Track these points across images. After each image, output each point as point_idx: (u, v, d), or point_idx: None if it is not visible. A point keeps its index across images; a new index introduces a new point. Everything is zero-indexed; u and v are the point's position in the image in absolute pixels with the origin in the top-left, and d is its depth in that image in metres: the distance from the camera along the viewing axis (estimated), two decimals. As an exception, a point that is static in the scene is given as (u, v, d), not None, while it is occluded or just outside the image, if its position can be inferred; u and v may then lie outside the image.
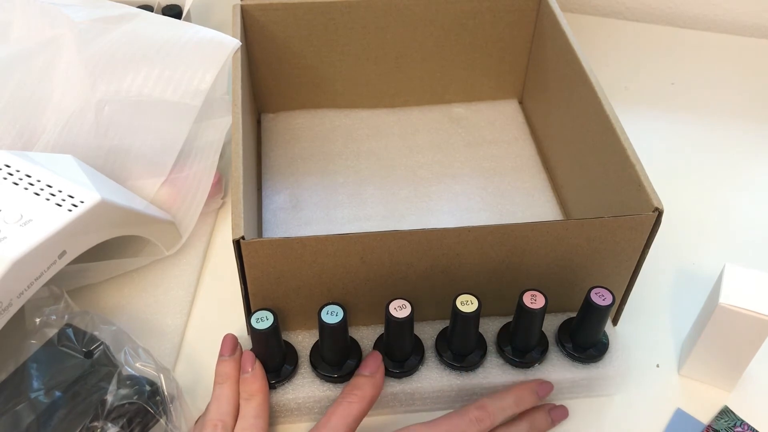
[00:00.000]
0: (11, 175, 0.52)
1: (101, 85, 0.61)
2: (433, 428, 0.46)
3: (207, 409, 0.48)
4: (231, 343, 0.50)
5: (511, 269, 0.51)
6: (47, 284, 0.50)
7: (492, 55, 0.74)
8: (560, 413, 0.52)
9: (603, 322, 0.51)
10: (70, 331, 0.51)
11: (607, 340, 0.53)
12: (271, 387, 0.50)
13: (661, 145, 0.77)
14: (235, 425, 0.47)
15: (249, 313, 0.52)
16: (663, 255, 0.63)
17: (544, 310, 0.48)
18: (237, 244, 0.46)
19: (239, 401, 0.48)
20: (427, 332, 0.54)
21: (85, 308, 0.54)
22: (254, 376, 0.48)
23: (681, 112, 0.82)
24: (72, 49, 0.63)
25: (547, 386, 0.51)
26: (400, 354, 0.51)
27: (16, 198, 0.50)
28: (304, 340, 0.53)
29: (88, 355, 0.49)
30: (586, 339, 0.52)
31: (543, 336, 0.53)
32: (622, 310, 0.56)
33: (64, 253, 0.50)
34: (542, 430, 0.50)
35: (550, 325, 0.54)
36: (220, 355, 0.50)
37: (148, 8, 0.76)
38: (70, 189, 0.52)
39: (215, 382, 0.49)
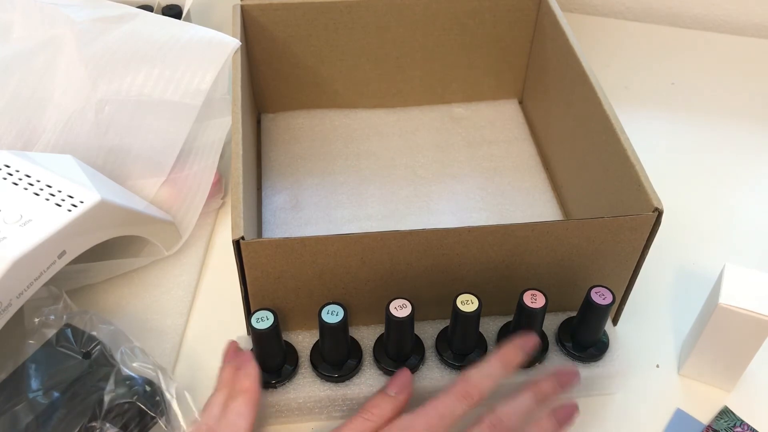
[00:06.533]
0: (11, 175, 0.52)
1: (101, 85, 0.61)
2: (420, 415, 0.44)
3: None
4: (233, 351, 0.49)
5: (511, 269, 0.51)
6: (47, 284, 0.50)
7: (492, 55, 0.74)
8: (567, 378, 0.47)
9: (603, 321, 0.51)
10: (68, 331, 0.50)
11: (608, 339, 0.53)
12: (272, 387, 0.50)
13: (661, 145, 0.77)
14: None
15: (249, 313, 0.51)
16: (663, 255, 0.63)
17: (544, 310, 0.48)
18: (237, 244, 0.46)
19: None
20: (428, 332, 0.54)
21: (84, 308, 0.54)
22: (245, 374, 0.47)
23: (681, 112, 0.82)
24: (72, 48, 0.63)
25: (531, 340, 0.48)
26: (401, 354, 0.51)
27: (16, 198, 0.50)
28: (304, 340, 0.53)
29: (87, 355, 0.49)
30: (586, 338, 0.52)
31: (543, 335, 0.53)
32: (622, 309, 0.56)
33: (63, 253, 0.50)
34: (548, 394, 0.46)
35: (551, 324, 0.54)
36: (223, 362, 0.49)
37: (148, 8, 0.76)
38: (70, 189, 0.52)
39: (215, 388, 0.48)
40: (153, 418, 0.47)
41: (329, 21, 0.69)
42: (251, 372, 0.47)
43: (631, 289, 0.54)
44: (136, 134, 0.62)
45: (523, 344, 0.48)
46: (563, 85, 0.65)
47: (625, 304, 0.56)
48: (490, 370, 0.46)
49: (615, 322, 0.57)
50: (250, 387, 0.46)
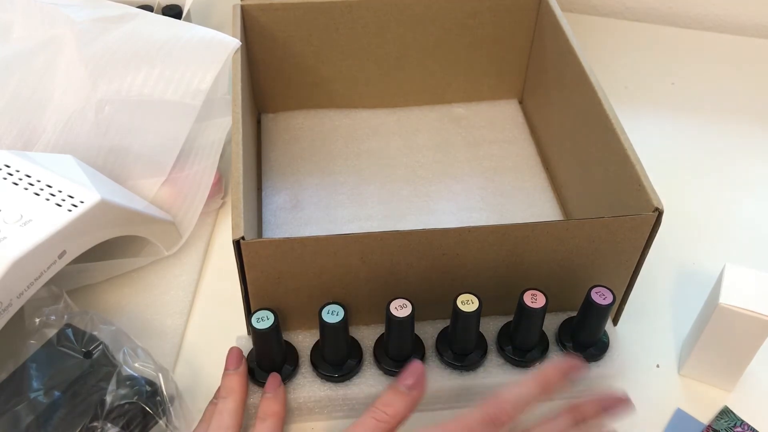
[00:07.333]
0: (11, 175, 0.52)
1: (101, 85, 0.61)
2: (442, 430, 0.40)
3: (205, 420, 0.47)
4: (236, 357, 0.49)
5: (511, 269, 0.51)
6: (47, 284, 0.50)
7: (492, 55, 0.74)
8: (613, 403, 0.42)
9: (603, 321, 0.51)
10: (69, 331, 0.50)
11: (608, 339, 0.53)
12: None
13: (661, 145, 0.77)
14: None
15: (249, 313, 0.51)
16: (663, 255, 0.63)
17: (544, 310, 0.48)
18: (237, 244, 0.46)
19: (243, 417, 0.48)
20: (428, 332, 0.54)
21: (85, 308, 0.54)
22: (275, 398, 0.48)
23: (681, 112, 0.82)
24: (72, 48, 0.63)
25: (576, 365, 0.43)
26: (401, 353, 0.51)
27: (16, 198, 0.50)
28: (304, 340, 0.53)
29: (88, 355, 0.49)
30: (586, 338, 0.52)
31: (543, 335, 0.53)
32: (622, 309, 0.56)
33: (64, 253, 0.50)
34: (588, 417, 0.42)
35: (551, 324, 0.54)
36: (226, 368, 0.49)
37: (148, 8, 0.76)
38: (70, 189, 0.52)
39: (219, 396, 0.48)
40: (154, 418, 0.47)
41: (329, 21, 0.69)
42: (281, 396, 0.49)
43: (631, 289, 0.54)
44: (136, 134, 0.62)
45: (567, 368, 0.43)
46: (563, 85, 0.65)
47: (625, 304, 0.56)
48: (527, 392, 0.41)
49: (615, 322, 0.57)
50: (278, 411, 0.48)
